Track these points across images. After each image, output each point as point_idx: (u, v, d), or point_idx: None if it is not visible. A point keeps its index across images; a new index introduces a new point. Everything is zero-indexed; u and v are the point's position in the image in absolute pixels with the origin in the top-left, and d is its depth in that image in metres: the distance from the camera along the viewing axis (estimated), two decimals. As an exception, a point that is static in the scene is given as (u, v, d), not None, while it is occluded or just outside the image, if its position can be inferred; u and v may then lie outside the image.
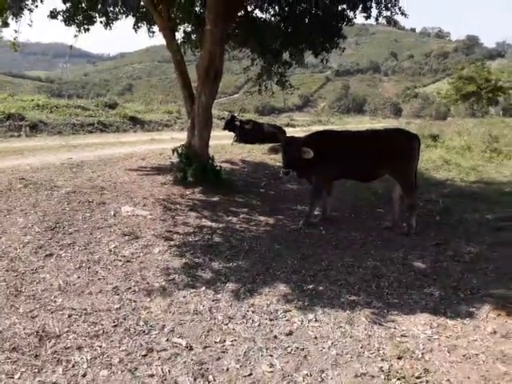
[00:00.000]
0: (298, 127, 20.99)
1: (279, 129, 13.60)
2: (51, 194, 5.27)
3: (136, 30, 7.85)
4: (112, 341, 2.57)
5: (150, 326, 2.76)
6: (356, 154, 4.98)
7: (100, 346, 2.51)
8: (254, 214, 5.56)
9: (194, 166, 6.42)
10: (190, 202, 5.77)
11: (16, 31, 5.83)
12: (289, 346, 2.62)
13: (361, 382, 2.33)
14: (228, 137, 12.32)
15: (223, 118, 14.45)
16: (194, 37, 7.80)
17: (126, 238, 4.31)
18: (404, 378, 2.36)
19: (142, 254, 3.94)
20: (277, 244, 4.48)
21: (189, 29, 7.79)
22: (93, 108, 13.98)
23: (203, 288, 3.33)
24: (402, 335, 2.83)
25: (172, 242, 4.31)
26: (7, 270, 3.37)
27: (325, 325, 2.91)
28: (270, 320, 2.95)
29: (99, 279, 3.38)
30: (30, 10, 6.12)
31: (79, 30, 7.04)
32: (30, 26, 6.13)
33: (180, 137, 13.56)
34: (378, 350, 2.63)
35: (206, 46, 5.98)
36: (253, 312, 3.04)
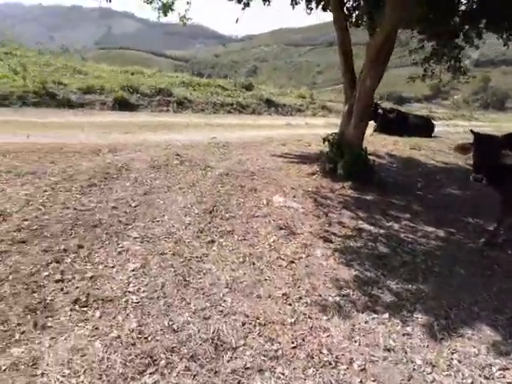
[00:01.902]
0: (440, 120, 18.81)
1: (427, 121, 12.18)
2: (205, 173, 5.17)
3: (293, 7, 7.39)
4: (295, 368, 2.16)
5: (336, 357, 2.29)
6: None
7: (282, 374, 2.11)
8: (419, 223, 4.76)
9: (346, 157, 5.84)
10: (340, 198, 5.21)
11: (188, 3, 5.81)
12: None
13: None
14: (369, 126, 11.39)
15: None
16: (355, 14, 7.06)
17: (283, 232, 3.94)
18: None
19: (304, 256, 3.52)
20: (459, 267, 3.68)
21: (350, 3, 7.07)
22: (231, 88, 14.17)
23: (386, 315, 2.75)
24: None
25: (332, 245, 3.81)
26: (173, 254, 3.22)
27: None
28: (485, 378, 2.26)
29: (266, 280, 3.03)
30: None
31: (246, 3, 6.79)
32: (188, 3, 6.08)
33: (313, 122, 13.11)
34: None
35: (384, 23, 5.18)
36: (459, 362, 2.38)
